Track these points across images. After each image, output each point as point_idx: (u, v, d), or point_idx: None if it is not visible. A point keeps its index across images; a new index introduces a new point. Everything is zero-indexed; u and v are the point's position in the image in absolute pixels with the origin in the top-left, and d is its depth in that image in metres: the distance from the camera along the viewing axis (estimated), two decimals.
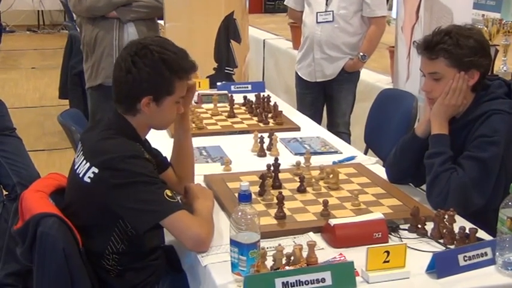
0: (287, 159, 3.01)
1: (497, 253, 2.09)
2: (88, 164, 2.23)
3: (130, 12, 4.47)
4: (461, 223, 2.29)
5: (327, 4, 4.54)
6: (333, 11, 4.52)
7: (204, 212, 2.29)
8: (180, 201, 2.32)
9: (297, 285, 1.89)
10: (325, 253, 2.16)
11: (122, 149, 2.22)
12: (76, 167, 2.30)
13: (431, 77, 2.59)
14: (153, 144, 2.59)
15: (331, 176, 2.72)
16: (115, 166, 2.18)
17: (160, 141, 2.72)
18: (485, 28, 4.77)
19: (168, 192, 2.19)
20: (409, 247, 2.11)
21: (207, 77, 4.57)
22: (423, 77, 2.68)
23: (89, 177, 2.21)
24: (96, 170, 2.20)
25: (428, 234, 2.30)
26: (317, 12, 4.55)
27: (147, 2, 4.54)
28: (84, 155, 2.28)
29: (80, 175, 2.25)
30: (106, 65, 4.45)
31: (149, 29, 4.53)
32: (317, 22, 4.57)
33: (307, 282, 1.90)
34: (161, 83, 2.27)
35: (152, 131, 2.47)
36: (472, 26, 2.67)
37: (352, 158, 3.12)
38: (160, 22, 4.91)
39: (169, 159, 2.65)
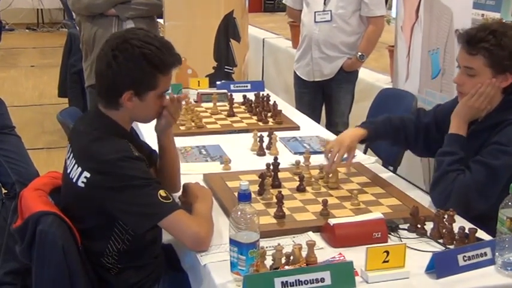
0: (286, 159, 3.01)
1: (496, 253, 2.09)
2: (80, 169, 2.21)
3: (129, 10, 4.46)
4: (460, 223, 2.29)
5: (325, 3, 4.53)
6: (331, 11, 4.51)
7: (203, 212, 2.29)
8: (177, 200, 2.30)
9: (296, 285, 1.89)
10: (325, 253, 2.16)
11: (111, 151, 2.19)
12: (69, 171, 2.28)
13: (466, 71, 2.55)
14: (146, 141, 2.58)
15: (330, 175, 2.72)
16: (107, 171, 2.16)
17: (153, 138, 2.68)
18: None
19: (162, 192, 2.17)
20: (408, 247, 2.11)
21: (207, 76, 4.57)
22: (458, 67, 2.63)
23: (82, 182, 2.20)
24: (88, 175, 2.18)
25: (428, 234, 2.30)
26: (315, 12, 4.55)
27: None
28: (74, 158, 2.26)
29: (74, 180, 2.23)
30: None
31: (148, 27, 4.52)
32: (315, 21, 4.56)
33: (306, 282, 1.90)
34: (142, 78, 2.23)
35: (146, 129, 2.45)
36: None
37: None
38: (160, 21, 4.91)
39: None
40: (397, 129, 2.86)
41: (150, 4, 4.57)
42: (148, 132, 2.59)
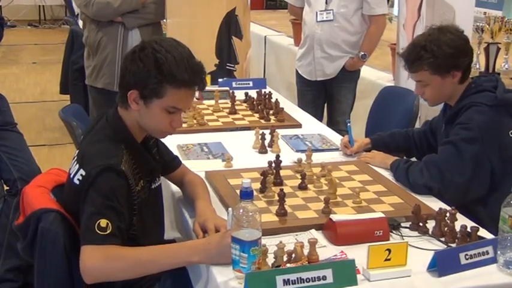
0: (288, 156, 3.01)
1: (498, 252, 2.09)
2: (77, 166, 2.22)
3: (136, 19, 4.43)
4: (462, 221, 2.29)
5: (326, 3, 4.51)
6: (333, 10, 4.49)
7: (156, 255, 2.14)
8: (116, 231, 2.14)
9: (298, 283, 1.89)
10: (327, 251, 2.16)
11: (100, 156, 2.18)
12: (70, 166, 2.29)
13: (419, 83, 2.83)
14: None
15: (328, 186, 2.67)
16: (88, 175, 2.15)
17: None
18: (487, 26, 4.76)
19: (102, 222, 2.08)
20: (410, 245, 2.11)
21: (209, 73, 4.54)
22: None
23: (77, 179, 2.20)
24: (84, 173, 2.18)
25: (430, 232, 2.30)
26: (317, 11, 4.54)
27: (153, 8, 4.51)
28: (77, 155, 2.28)
29: (71, 176, 2.24)
30: (107, 71, 4.45)
31: (153, 33, 4.50)
32: (317, 21, 4.55)
33: (308, 280, 1.90)
34: (147, 81, 2.20)
35: None
36: (443, 28, 2.80)
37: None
38: None
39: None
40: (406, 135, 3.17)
41: (157, 13, 4.55)
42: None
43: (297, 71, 4.84)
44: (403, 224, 2.36)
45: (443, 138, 2.78)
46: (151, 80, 2.19)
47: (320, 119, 4.46)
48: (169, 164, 2.61)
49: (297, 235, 2.28)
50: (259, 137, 3.19)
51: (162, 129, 2.32)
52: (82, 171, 2.19)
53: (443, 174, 2.61)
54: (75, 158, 2.28)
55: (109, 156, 2.19)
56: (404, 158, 3.01)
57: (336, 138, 3.44)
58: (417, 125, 3.68)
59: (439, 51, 2.69)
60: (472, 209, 2.60)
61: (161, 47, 2.21)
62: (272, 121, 3.63)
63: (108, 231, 2.08)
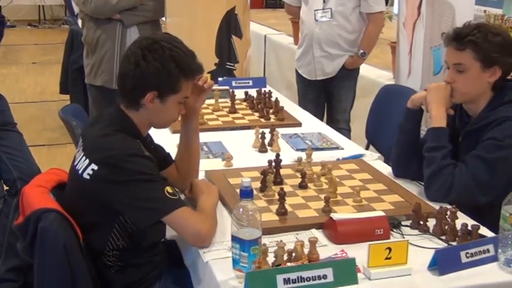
0: (288, 155, 3.00)
1: (499, 250, 2.09)
2: (87, 161, 2.21)
3: (134, 17, 4.43)
4: (463, 220, 2.29)
5: (324, 1, 4.51)
6: (331, 8, 4.49)
7: (207, 208, 2.30)
8: (182, 197, 2.30)
9: (298, 282, 1.88)
10: (327, 249, 2.16)
11: (122, 146, 2.21)
12: (76, 163, 2.28)
13: (455, 68, 2.63)
14: (155, 140, 2.58)
15: (328, 185, 2.67)
16: (114, 164, 2.17)
17: (162, 137, 2.71)
18: None
19: (168, 189, 2.18)
20: (411, 244, 2.11)
21: (208, 72, 4.53)
22: (447, 68, 2.69)
23: (88, 173, 2.20)
24: (96, 167, 2.18)
25: (430, 231, 2.29)
26: (315, 10, 4.53)
27: (151, 5, 4.51)
28: (83, 151, 2.27)
29: (79, 171, 2.23)
30: (106, 69, 4.44)
31: (152, 31, 4.50)
32: (315, 20, 4.54)
33: (308, 279, 1.89)
34: (168, 80, 2.25)
35: (157, 134, 2.46)
36: (500, 26, 2.70)
37: (360, 156, 3.09)
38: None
39: (173, 156, 2.63)
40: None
41: (155, 10, 4.55)
42: (154, 136, 2.57)
43: (296, 71, 4.83)
44: (403, 223, 2.36)
45: (463, 147, 2.65)
46: (172, 78, 2.25)
47: (321, 118, 4.46)
48: (165, 160, 2.61)
49: (297, 234, 2.27)
50: (259, 136, 3.19)
51: (172, 120, 2.41)
52: (94, 166, 2.19)
53: (471, 197, 2.49)
54: (82, 154, 2.26)
55: (128, 146, 2.23)
56: (442, 151, 2.60)
57: (336, 136, 3.44)
58: None
59: (492, 37, 2.56)
60: (488, 212, 2.49)
61: (169, 44, 2.27)
62: (272, 120, 3.63)
63: (177, 195, 2.22)
